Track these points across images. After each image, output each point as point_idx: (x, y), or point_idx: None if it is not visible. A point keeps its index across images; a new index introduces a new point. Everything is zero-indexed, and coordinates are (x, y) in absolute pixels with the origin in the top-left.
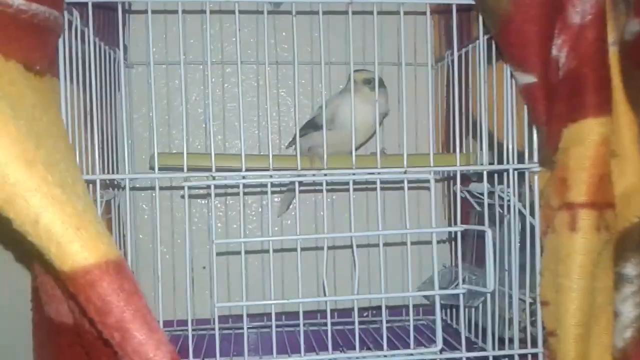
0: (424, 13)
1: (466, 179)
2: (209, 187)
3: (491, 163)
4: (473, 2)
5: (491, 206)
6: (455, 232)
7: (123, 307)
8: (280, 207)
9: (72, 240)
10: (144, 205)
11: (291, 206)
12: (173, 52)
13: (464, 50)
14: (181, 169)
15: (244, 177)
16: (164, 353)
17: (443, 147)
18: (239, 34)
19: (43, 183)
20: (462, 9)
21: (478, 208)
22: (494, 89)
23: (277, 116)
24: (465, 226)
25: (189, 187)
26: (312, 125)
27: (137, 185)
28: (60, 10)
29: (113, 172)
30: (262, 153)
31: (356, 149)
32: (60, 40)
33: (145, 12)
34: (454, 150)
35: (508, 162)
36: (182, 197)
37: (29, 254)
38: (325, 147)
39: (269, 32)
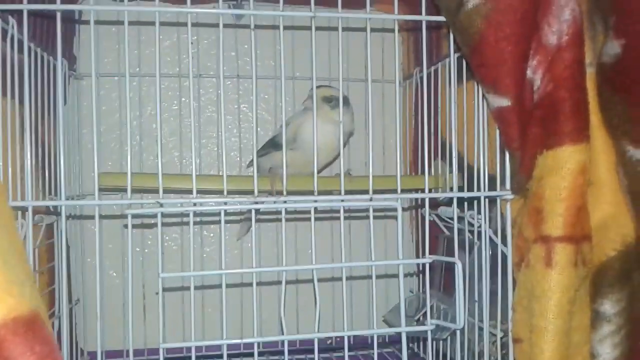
0: (392, 30)
1: (435, 202)
2: (156, 216)
3: (461, 188)
4: (444, 19)
5: (460, 231)
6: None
7: None
8: (240, 229)
9: None
10: (92, 227)
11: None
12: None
13: (433, 68)
14: (126, 191)
15: (195, 204)
16: None
17: (411, 167)
18: (198, 46)
19: None
20: (431, 26)
21: (447, 232)
22: (464, 110)
23: (237, 133)
24: (434, 257)
25: (134, 216)
26: (273, 145)
27: (82, 212)
28: None
29: (57, 194)
30: (222, 172)
31: (320, 170)
32: None
33: (96, 22)
34: (423, 172)
35: (479, 189)
36: (126, 226)
37: None
38: (286, 168)
39: (229, 44)
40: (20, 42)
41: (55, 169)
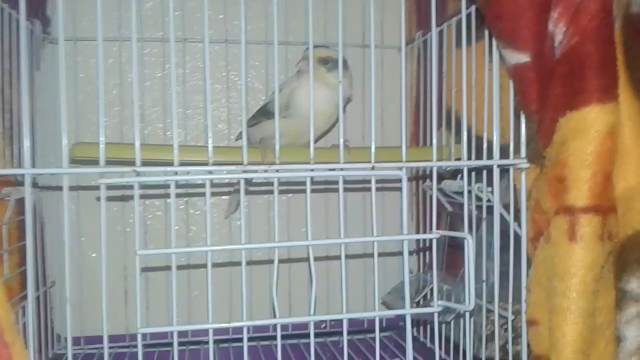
0: None
1: (437, 175)
2: (132, 186)
3: (469, 159)
4: None
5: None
6: (429, 240)
7: None
8: (228, 207)
9: None
10: (72, 205)
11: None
12: (108, 26)
13: (437, 29)
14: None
15: (176, 173)
16: None
17: (412, 139)
18: (183, 8)
19: None
20: None
21: (450, 209)
22: (473, 74)
23: (226, 102)
24: (442, 232)
25: (109, 186)
26: (264, 113)
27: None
28: None
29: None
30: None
31: (316, 140)
32: None
33: None
34: (424, 143)
35: (490, 157)
36: (98, 199)
37: None
38: (279, 138)
39: (217, 5)
40: None
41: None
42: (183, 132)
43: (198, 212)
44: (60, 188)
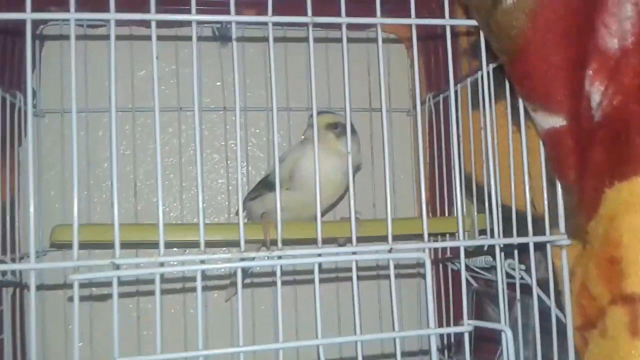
0: (398, 41)
1: (457, 248)
2: (111, 281)
3: (492, 231)
4: (439, 24)
5: (491, 282)
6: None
7: None
8: (229, 289)
9: None
10: (57, 292)
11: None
12: (95, 97)
13: (451, 91)
14: (81, 246)
15: (161, 264)
16: None
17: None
18: (178, 76)
19: None
20: (443, 36)
21: (475, 284)
22: (494, 137)
23: (225, 173)
24: (474, 322)
25: (81, 283)
26: (266, 185)
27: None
28: None
29: (13, 251)
30: (213, 219)
31: (323, 214)
32: None
33: (60, 37)
34: (442, 213)
35: (521, 233)
36: (70, 299)
37: None
38: (282, 212)
39: (215, 72)
40: None
41: (12, 223)
42: (179, 206)
43: (192, 306)
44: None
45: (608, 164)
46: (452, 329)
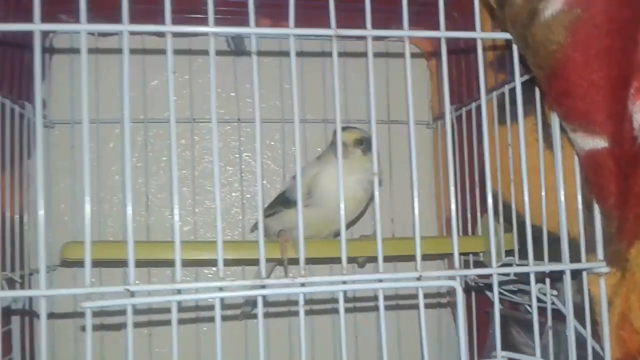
0: (420, 56)
1: (481, 265)
2: (125, 310)
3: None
4: (468, 37)
5: (518, 306)
6: None
7: None
8: (244, 308)
9: None
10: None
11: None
12: (107, 107)
13: (474, 104)
14: (93, 264)
15: (179, 292)
16: None
17: (446, 225)
18: (191, 87)
19: None
20: (467, 49)
21: (500, 307)
22: (522, 153)
23: (239, 187)
24: (509, 354)
25: (94, 311)
26: (282, 201)
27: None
28: None
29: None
30: (227, 234)
31: (339, 233)
32: None
33: (71, 51)
34: (465, 232)
35: (554, 258)
36: (83, 329)
37: None
38: (297, 229)
39: (229, 83)
40: None
41: (20, 240)
42: (192, 220)
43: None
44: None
45: None
46: None
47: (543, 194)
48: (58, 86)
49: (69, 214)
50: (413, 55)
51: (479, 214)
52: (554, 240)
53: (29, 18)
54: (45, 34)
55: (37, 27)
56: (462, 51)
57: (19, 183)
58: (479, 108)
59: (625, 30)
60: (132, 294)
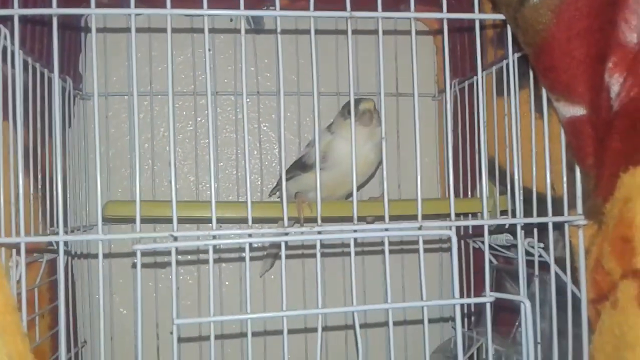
0: (427, 33)
1: (479, 227)
2: (170, 251)
3: (513, 212)
4: (468, 18)
5: (511, 260)
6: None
7: None
8: (263, 264)
9: None
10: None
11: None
12: (138, 81)
13: (475, 77)
14: (132, 220)
15: (214, 237)
16: None
17: (449, 189)
18: (214, 61)
19: None
20: (470, 28)
21: (495, 262)
22: (516, 123)
23: (258, 155)
24: (497, 294)
25: (143, 252)
26: (299, 166)
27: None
28: None
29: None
30: (241, 197)
31: (351, 194)
32: None
33: (105, 30)
34: (465, 194)
35: (541, 213)
36: (134, 266)
37: None
38: (313, 191)
39: (248, 58)
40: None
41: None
42: (215, 185)
43: (231, 267)
44: (89, 255)
45: (624, 151)
46: (475, 300)
47: (534, 159)
48: (92, 62)
49: (103, 179)
50: (420, 32)
51: (477, 179)
52: (543, 200)
53: (69, 3)
54: (80, 15)
55: (54, 11)
56: (466, 29)
57: (61, 149)
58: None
59: (604, 13)
60: (176, 239)
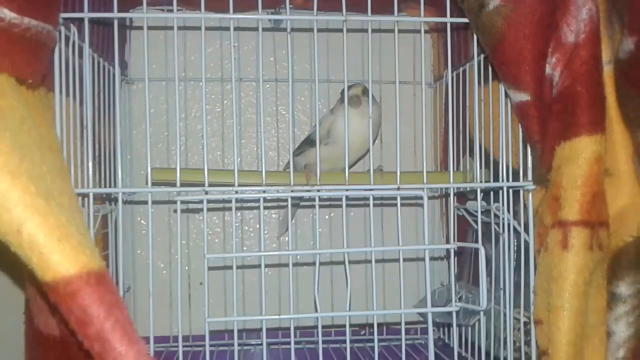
0: (427, 31)
1: (464, 197)
2: (202, 201)
3: (487, 181)
4: (468, 21)
5: (488, 224)
6: (453, 249)
7: (103, 318)
8: (280, 228)
9: (54, 251)
10: (142, 221)
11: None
12: (173, 69)
13: (461, 68)
14: (175, 184)
15: (236, 192)
16: None
17: (441, 165)
18: (239, 51)
19: (26, 194)
20: (459, 27)
21: (475, 226)
22: (490, 108)
23: (275, 133)
24: (459, 243)
25: (182, 202)
26: (308, 142)
27: (134, 199)
28: (54, 25)
29: (110, 187)
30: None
31: (353, 165)
32: (57, 55)
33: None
34: (453, 169)
35: (502, 180)
36: (175, 211)
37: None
38: (320, 163)
39: (268, 49)
40: (80, 48)
41: (110, 164)
42: (239, 159)
43: (252, 229)
44: (132, 202)
45: (559, 129)
46: (441, 246)
47: (502, 136)
48: (138, 50)
49: (143, 151)
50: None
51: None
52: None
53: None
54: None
55: (145, 15)
56: (455, 28)
57: (110, 126)
58: (464, 72)
59: (544, 18)
60: (207, 193)
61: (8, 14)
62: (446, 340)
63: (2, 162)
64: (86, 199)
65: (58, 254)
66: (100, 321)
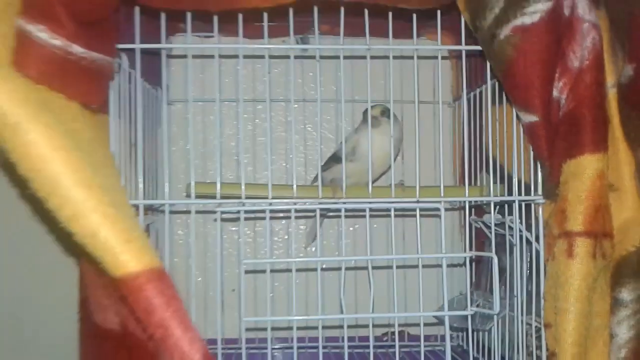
0: (444, 57)
1: (481, 210)
2: (239, 212)
3: (501, 195)
4: (481, 49)
5: (504, 236)
6: (469, 258)
7: (164, 308)
8: (307, 239)
9: (124, 251)
10: (179, 231)
11: (317, 228)
12: (209, 91)
13: (477, 90)
14: (214, 197)
15: (270, 204)
16: (196, 349)
17: (460, 180)
18: (269, 75)
19: (100, 204)
20: (474, 54)
21: (491, 237)
22: (504, 127)
23: (303, 150)
24: (473, 252)
25: (222, 212)
26: (334, 159)
27: (173, 209)
28: (113, 56)
29: (153, 199)
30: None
31: (376, 179)
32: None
33: (184, 56)
34: (470, 184)
35: (514, 194)
36: (215, 220)
37: (77, 266)
38: (346, 178)
39: (297, 72)
40: (129, 73)
41: (153, 179)
42: (268, 174)
43: (280, 240)
44: (173, 212)
45: (565, 148)
46: (457, 255)
47: (514, 154)
48: (174, 76)
49: (182, 167)
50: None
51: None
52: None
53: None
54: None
55: (189, 47)
56: (473, 54)
57: (151, 143)
58: (480, 93)
59: (551, 47)
60: (244, 204)
61: (78, 50)
62: (465, 347)
63: (80, 177)
64: (136, 209)
65: (127, 254)
66: (162, 310)
